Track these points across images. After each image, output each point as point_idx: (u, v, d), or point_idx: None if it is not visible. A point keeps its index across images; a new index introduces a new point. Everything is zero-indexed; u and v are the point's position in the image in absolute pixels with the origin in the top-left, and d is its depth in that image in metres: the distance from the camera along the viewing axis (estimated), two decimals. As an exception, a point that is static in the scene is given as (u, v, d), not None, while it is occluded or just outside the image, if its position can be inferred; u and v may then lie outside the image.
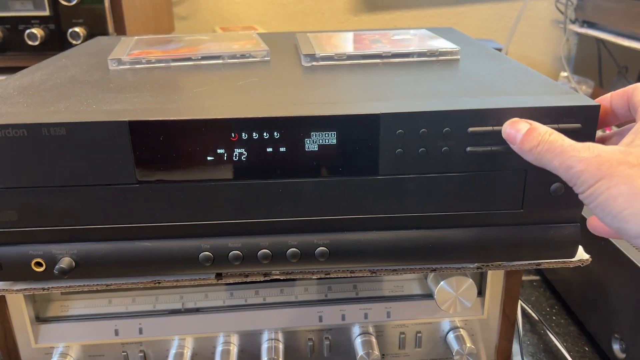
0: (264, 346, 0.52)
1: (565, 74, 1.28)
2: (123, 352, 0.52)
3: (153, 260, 0.43)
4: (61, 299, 0.52)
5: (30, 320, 0.50)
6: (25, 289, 0.44)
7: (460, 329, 0.53)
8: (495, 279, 0.52)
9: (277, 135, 0.40)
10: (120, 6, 0.88)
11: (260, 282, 0.46)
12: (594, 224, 0.41)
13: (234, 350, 0.52)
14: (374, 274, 0.46)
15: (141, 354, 0.52)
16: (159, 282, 0.45)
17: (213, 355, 0.52)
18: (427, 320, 0.54)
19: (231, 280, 0.45)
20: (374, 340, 0.52)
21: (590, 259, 0.46)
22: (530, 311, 0.67)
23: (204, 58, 0.55)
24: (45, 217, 0.41)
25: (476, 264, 0.46)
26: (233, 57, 0.55)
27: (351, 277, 0.48)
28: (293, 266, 0.44)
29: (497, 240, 0.44)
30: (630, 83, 0.41)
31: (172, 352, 0.51)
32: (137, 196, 0.41)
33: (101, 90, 0.46)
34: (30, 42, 0.85)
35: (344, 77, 0.49)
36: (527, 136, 0.36)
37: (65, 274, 0.42)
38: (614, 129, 0.43)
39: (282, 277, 0.45)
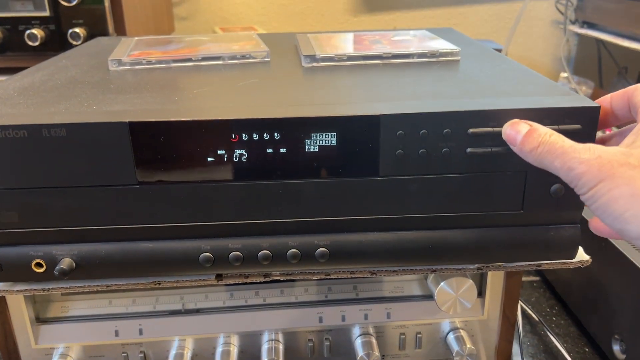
0: (264, 347, 0.52)
1: (565, 74, 1.28)
2: (123, 352, 0.52)
3: (153, 261, 0.43)
4: (61, 299, 0.52)
5: (30, 320, 0.50)
6: (25, 290, 0.44)
7: (461, 330, 0.53)
8: (495, 279, 0.52)
9: (277, 136, 0.40)
10: (120, 7, 0.88)
11: (260, 282, 0.46)
12: (596, 225, 0.41)
13: (234, 351, 0.52)
14: (374, 275, 0.46)
15: (141, 355, 0.52)
16: (159, 283, 0.45)
17: (213, 356, 0.52)
18: (427, 321, 0.54)
19: (231, 281, 0.45)
20: (374, 341, 0.52)
21: (591, 260, 0.46)
22: (530, 312, 0.67)
23: (204, 59, 0.55)
24: (46, 218, 0.41)
25: (476, 265, 0.46)
26: (233, 57, 0.55)
27: (351, 278, 0.48)
28: (293, 267, 0.44)
29: (497, 241, 0.44)
30: (630, 84, 0.41)
31: (173, 352, 0.51)
32: (138, 197, 0.41)
33: (101, 91, 0.46)
34: (30, 43, 0.85)
35: (344, 78, 0.49)
36: (527, 137, 0.36)
37: (66, 274, 0.42)
38: (614, 129, 0.43)
39: (282, 278, 0.45)
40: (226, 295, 0.52)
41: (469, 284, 0.49)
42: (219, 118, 0.39)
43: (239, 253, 0.43)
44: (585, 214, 0.44)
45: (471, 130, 0.39)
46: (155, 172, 0.40)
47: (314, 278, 0.45)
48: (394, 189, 0.41)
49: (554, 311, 0.69)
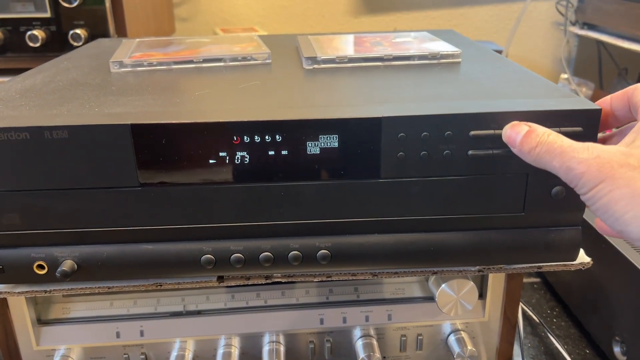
0: (265, 348, 0.52)
1: (565, 75, 1.28)
2: (124, 354, 0.52)
3: (155, 263, 0.43)
4: (63, 301, 0.52)
5: (31, 322, 0.50)
6: (27, 292, 0.44)
7: (461, 332, 0.53)
8: (496, 281, 0.52)
9: (279, 139, 0.40)
10: (121, 8, 0.88)
11: (261, 284, 0.46)
12: (602, 225, 0.41)
13: (235, 352, 0.52)
14: (375, 277, 0.46)
15: (142, 356, 0.52)
16: (161, 285, 0.45)
17: (214, 357, 0.52)
18: (428, 323, 0.54)
19: (233, 283, 0.45)
20: (375, 342, 0.52)
21: (592, 262, 0.46)
22: (531, 313, 0.67)
23: (205, 61, 0.55)
24: (48, 220, 0.41)
25: (477, 267, 0.46)
26: (234, 59, 0.55)
27: (352, 279, 0.48)
28: (295, 269, 0.44)
29: (498, 243, 0.44)
30: (630, 85, 0.41)
31: (174, 354, 0.51)
32: (139, 199, 0.41)
33: (103, 93, 0.46)
34: (31, 44, 0.85)
35: (345, 80, 0.49)
36: (526, 138, 0.36)
37: (67, 276, 0.42)
38: (614, 130, 0.43)
39: (283, 280, 0.45)
40: (227, 297, 0.52)
41: (470, 286, 0.49)
42: (221, 120, 0.39)
43: (240, 255, 0.43)
44: (586, 216, 0.44)
45: (472, 132, 0.40)
46: (157, 174, 0.40)
47: (315, 280, 0.45)
48: (396, 191, 0.41)
49: (555, 313, 0.69)
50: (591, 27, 1.25)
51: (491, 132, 0.39)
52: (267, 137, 0.40)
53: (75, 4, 0.84)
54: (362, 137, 0.40)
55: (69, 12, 0.86)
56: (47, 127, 0.38)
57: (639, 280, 0.53)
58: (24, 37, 0.85)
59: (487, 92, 0.44)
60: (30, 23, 0.86)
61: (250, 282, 0.45)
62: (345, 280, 0.46)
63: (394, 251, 0.44)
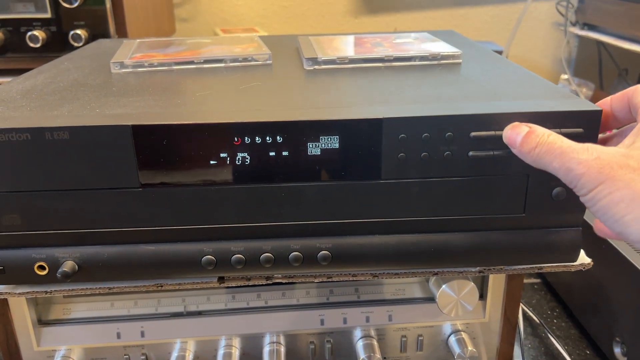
0: (266, 349, 0.52)
1: (565, 76, 1.28)
2: (125, 355, 0.52)
3: (156, 264, 0.43)
4: (63, 301, 0.52)
5: (32, 323, 0.50)
6: (27, 292, 0.45)
7: (462, 332, 0.53)
8: (496, 282, 0.52)
9: (280, 140, 0.40)
10: (121, 8, 0.88)
11: (262, 285, 0.46)
12: (600, 227, 0.41)
13: (236, 353, 0.52)
14: (375, 278, 0.46)
15: (143, 357, 0.52)
16: (162, 286, 0.45)
17: (215, 358, 0.52)
18: (429, 324, 0.54)
19: (233, 284, 0.45)
20: (375, 343, 0.52)
21: (592, 263, 0.46)
22: (531, 314, 0.67)
23: (206, 61, 0.55)
24: (49, 221, 0.41)
25: (478, 268, 0.46)
26: (235, 60, 0.55)
27: (353, 280, 0.48)
28: (295, 270, 0.44)
29: (499, 244, 0.44)
30: (630, 85, 0.41)
31: (174, 355, 0.52)
32: (140, 200, 0.41)
33: (104, 94, 0.46)
34: (31, 44, 0.85)
35: (346, 81, 0.50)
36: (526, 138, 0.36)
37: (68, 277, 0.42)
38: (614, 131, 0.43)
39: (284, 281, 0.45)
40: (228, 298, 0.52)
41: (470, 287, 0.49)
42: (222, 121, 0.39)
43: (241, 256, 0.43)
44: (587, 217, 0.44)
45: (473, 133, 0.40)
46: (157, 174, 0.40)
47: (316, 281, 0.45)
48: (396, 192, 0.41)
49: (555, 313, 0.69)
50: (591, 27, 1.25)
51: (492, 133, 0.39)
52: (268, 138, 0.40)
53: (75, 5, 0.84)
54: (363, 138, 0.40)
55: (69, 13, 0.86)
56: (48, 128, 0.38)
57: (639, 281, 0.53)
58: (25, 37, 0.85)
59: (488, 93, 0.44)
60: (30, 23, 0.86)
61: (250, 283, 0.45)
62: (346, 281, 0.46)
63: (394, 252, 0.44)
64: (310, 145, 0.40)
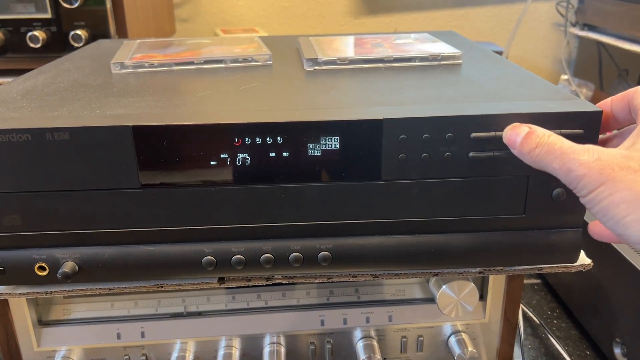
0: (266, 350, 0.52)
1: (565, 77, 1.28)
2: (125, 355, 0.52)
3: (156, 265, 0.43)
4: (63, 302, 0.52)
5: (32, 323, 0.50)
6: (28, 293, 0.45)
7: (462, 333, 0.53)
8: (496, 283, 0.52)
9: (280, 140, 0.40)
10: (122, 8, 0.88)
11: (262, 285, 0.46)
12: (595, 230, 0.41)
13: (236, 353, 0.52)
14: (376, 278, 0.46)
15: (143, 358, 0.52)
16: (162, 286, 0.45)
17: (215, 358, 0.52)
18: (429, 324, 0.54)
19: (234, 284, 0.45)
20: (375, 344, 0.52)
21: (592, 264, 0.46)
22: (531, 315, 0.67)
23: (206, 62, 0.55)
24: (49, 222, 0.41)
25: (478, 269, 0.46)
26: (235, 61, 0.55)
27: (353, 281, 0.48)
28: (296, 270, 0.44)
29: (499, 245, 0.44)
30: (630, 86, 0.41)
31: (174, 355, 0.52)
32: (141, 200, 0.41)
33: (104, 95, 0.46)
34: (32, 45, 0.85)
35: (346, 82, 0.50)
36: (526, 139, 0.36)
37: (69, 278, 0.42)
38: (614, 132, 0.43)
39: (284, 281, 0.45)
40: (228, 298, 0.52)
41: (470, 287, 0.49)
42: (222, 122, 0.39)
43: (241, 256, 0.43)
44: (587, 217, 0.44)
45: (473, 134, 0.40)
46: (158, 175, 0.40)
47: (316, 281, 0.45)
48: (397, 193, 0.42)
49: (555, 314, 0.69)
50: (591, 28, 1.25)
51: (492, 134, 0.40)
52: (268, 139, 0.40)
53: (76, 5, 0.84)
54: (363, 139, 0.40)
55: (69, 13, 0.86)
56: (49, 129, 0.38)
57: (639, 282, 0.53)
58: (25, 37, 0.85)
59: (488, 94, 0.44)
60: (31, 24, 0.86)
61: (251, 284, 0.45)
62: (346, 281, 0.46)
63: (394, 253, 0.44)
64: (311, 146, 0.40)
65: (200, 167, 0.40)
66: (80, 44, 0.85)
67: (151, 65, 0.54)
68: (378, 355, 0.51)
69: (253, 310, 0.52)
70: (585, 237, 0.44)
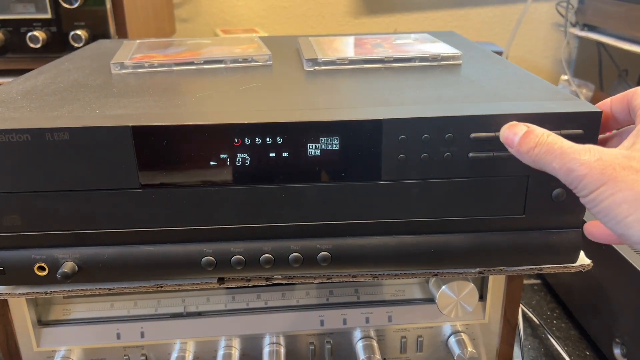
0: (266, 350, 0.52)
1: (565, 77, 1.28)
2: (125, 355, 0.52)
3: (155, 265, 0.43)
4: (63, 302, 0.52)
5: (32, 323, 0.50)
6: (27, 293, 0.44)
7: (462, 333, 0.53)
8: (496, 283, 0.52)
9: (280, 141, 0.40)
10: (122, 9, 0.88)
11: (262, 286, 0.46)
12: (591, 230, 0.41)
13: (236, 354, 0.52)
14: (375, 279, 0.46)
15: (143, 358, 0.52)
16: (162, 286, 0.45)
17: (215, 358, 0.52)
18: (429, 325, 0.54)
19: (233, 285, 0.45)
20: (375, 344, 0.52)
21: (592, 264, 0.46)
22: (531, 315, 0.67)
23: (206, 62, 0.55)
24: (49, 222, 0.41)
25: (478, 269, 0.46)
26: (235, 61, 0.55)
27: (353, 281, 0.48)
28: (295, 271, 0.44)
29: (498, 245, 0.44)
30: (630, 86, 0.41)
31: (174, 355, 0.52)
32: (140, 200, 0.41)
33: (104, 95, 0.46)
34: (32, 45, 0.85)
35: (346, 82, 0.50)
36: (524, 138, 0.36)
37: (68, 278, 0.42)
38: (614, 132, 0.43)
39: (284, 282, 0.45)
40: (228, 298, 0.52)
41: (470, 288, 0.49)
42: (222, 122, 0.39)
43: (241, 257, 0.43)
44: (586, 218, 0.44)
45: (473, 134, 0.40)
46: (158, 175, 0.40)
47: (315, 281, 0.45)
48: (396, 193, 0.42)
49: (555, 314, 0.69)
50: (591, 28, 1.25)
51: (492, 134, 0.40)
52: (268, 139, 0.40)
53: (76, 5, 0.84)
54: (363, 139, 0.40)
55: (69, 13, 0.86)
56: (48, 129, 0.38)
57: (639, 282, 0.53)
58: (25, 38, 0.85)
59: (488, 94, 0.44)
60: (31, 24, 0.86)
61: (250, 284, 0.45)
62: (346, 281, 0.46)
63: (394, 253, 0.44)
64: (310, 146, 0.40)
65: (200, 167, 0.40)
66: (80, 44, 0.85)
67: (151, 66, 0.54)
68: (378, 356, 0.51)
69: (253, 310, 0.52)
70: (585, 237, 0.44)
